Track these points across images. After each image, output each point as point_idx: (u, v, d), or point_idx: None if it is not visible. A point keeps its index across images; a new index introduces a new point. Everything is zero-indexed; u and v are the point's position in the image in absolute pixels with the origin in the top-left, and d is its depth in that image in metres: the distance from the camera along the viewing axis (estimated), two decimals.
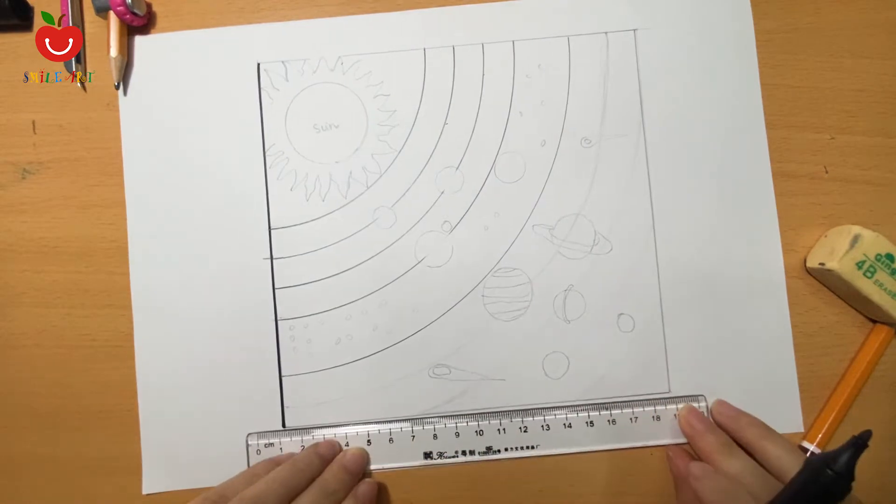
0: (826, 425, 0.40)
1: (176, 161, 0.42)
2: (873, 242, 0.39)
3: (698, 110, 0.42)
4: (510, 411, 0.41)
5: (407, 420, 0.41)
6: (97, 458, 0.41)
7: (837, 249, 0.39)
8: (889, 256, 0.39)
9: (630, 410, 0.41)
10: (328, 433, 0.41)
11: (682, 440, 0.41)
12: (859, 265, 0.39)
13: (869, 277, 0.39)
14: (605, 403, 0.41)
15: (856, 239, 0.39)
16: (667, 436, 0.41)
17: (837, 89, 0.43)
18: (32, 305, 0.42)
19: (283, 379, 0.41)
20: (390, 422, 0.41)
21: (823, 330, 0.41)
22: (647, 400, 0.41)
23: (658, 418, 0.41)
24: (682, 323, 0.41)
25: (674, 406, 0.41)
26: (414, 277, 0.42)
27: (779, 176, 0.42)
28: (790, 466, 0.35)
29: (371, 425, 0.41)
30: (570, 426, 0.41)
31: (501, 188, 0.42)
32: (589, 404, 0.41)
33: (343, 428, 0.41)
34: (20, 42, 0.43)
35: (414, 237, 0.42)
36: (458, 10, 0.43)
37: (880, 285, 0.39)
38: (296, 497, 0.36)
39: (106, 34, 0.42)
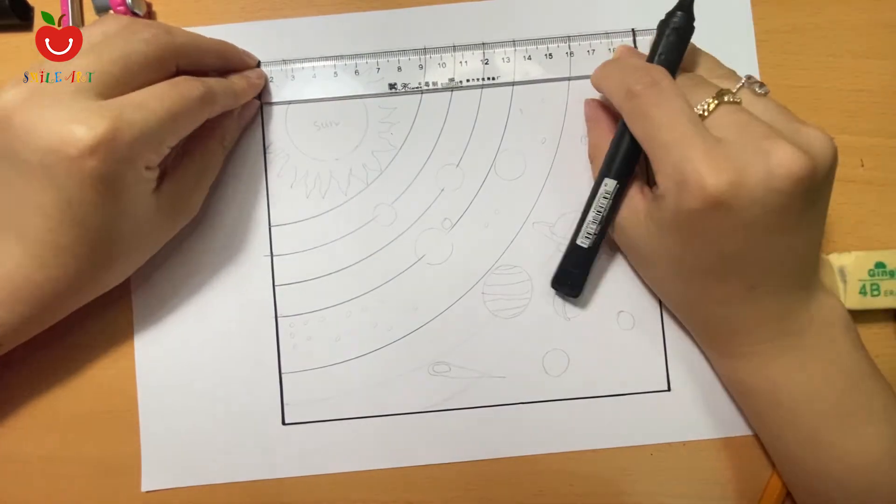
0: None
1: None
2: (859, 264, 0.38)
3: None
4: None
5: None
6: (97, 457, 0.41)
7: (835, 289, 0.39)
8: (879, 265, 0.38)
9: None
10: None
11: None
12: (863, 291, 0.38)
13: (877, 295, 0.38)
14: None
15: (842, 272, 0.39)
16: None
17: (837, 89, 0.43)
18: None
19: (283, 376, 0.41)
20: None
21: None
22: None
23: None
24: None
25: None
26: (414, 275, 0.42)
27: None
28: None
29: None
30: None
31: (502, 185, 0.42)
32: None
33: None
34: (20, 42, 0.43)
35: (414, 234, 0.42)
36: (457, 7, 0.43)
37: (891, 293, 0.38)
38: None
39: None
